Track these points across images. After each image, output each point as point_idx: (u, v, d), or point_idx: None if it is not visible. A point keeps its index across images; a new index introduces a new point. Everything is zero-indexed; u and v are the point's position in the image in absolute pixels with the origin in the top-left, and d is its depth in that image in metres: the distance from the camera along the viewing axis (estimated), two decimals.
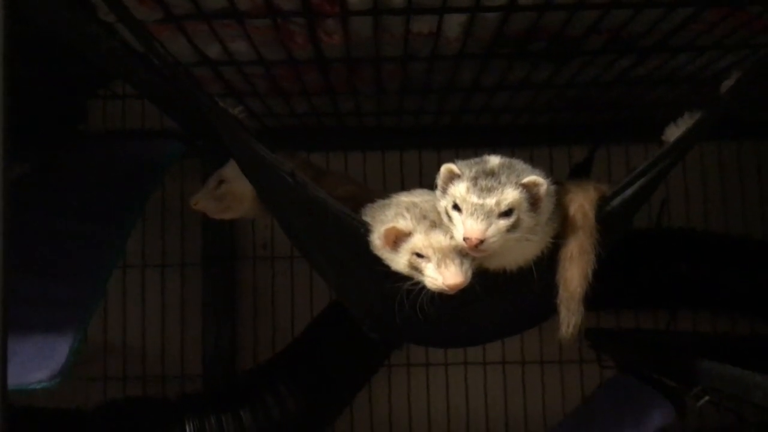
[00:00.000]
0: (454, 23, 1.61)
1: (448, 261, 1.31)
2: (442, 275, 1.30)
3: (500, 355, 2.63)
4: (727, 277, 2.41)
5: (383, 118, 2.50)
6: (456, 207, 1.30)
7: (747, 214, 2.67)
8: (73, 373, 1.61)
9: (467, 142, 2.53)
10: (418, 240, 1.34)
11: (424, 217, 1.37)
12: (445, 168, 1.35)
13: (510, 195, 1.27)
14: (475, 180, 1.28)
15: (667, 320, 2.52)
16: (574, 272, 1.33)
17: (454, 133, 2.67)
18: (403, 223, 1.36)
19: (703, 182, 2.70)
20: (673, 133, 1.44)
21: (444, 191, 1.34)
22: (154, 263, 2.65)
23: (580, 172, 2.32)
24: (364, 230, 1.41)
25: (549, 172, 1.39)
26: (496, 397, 2.64)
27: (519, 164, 1.35)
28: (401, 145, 2.66)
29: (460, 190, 1.29)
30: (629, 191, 1.39)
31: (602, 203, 1.39)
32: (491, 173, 1.29)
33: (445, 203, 1.33)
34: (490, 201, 1.26)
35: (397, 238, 1.36)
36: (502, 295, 1.43)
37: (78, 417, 2.03)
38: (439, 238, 1.32)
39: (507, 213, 1.27)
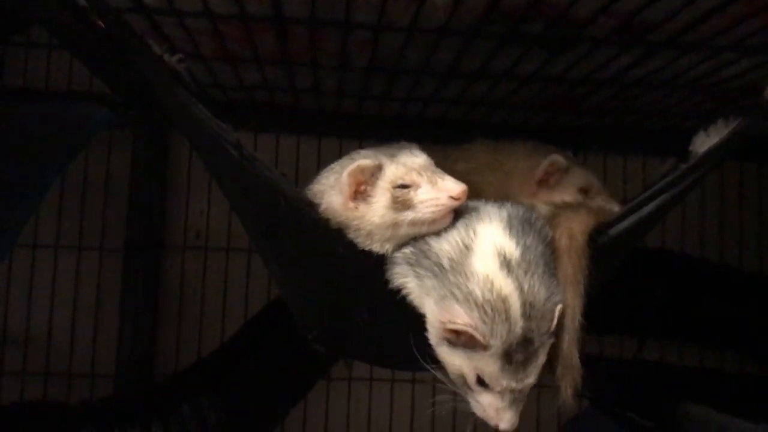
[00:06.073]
0: None
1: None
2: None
3: None
4: (705, 306, 2.23)
5: (344, 101, 2.23)
6: (481, 381, 1.08)
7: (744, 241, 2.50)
8: None
9: (434, 137, 2.22)
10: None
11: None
12: (451, 327, 1.07)
13: (545, 355, 1.09)
14: (508, 356, 1.04)
15: (635, 348, 2.34)
16: (564, 336, 1.14)
17: (421, 126, 2.42)
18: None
19: (701, 206, 2.51)
20: (703, 143, 1.21)
21: (452, 345, 1.09)
22: (70, 245, 2.34)
23: None
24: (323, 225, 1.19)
25: None
26: (445, 417, 2.39)
27: (539, 294, 1.07)
28: (361, 133, 2.34)
29: (489, 367, 1.06)
30: (645, 210, 1.17)
31: (601, 230, 1.19)
32: (527, 341, 1.05)
33: (459, 366, 1.09)
34: (530, 381, 1.07)
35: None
36: None
37: None
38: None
39: None
